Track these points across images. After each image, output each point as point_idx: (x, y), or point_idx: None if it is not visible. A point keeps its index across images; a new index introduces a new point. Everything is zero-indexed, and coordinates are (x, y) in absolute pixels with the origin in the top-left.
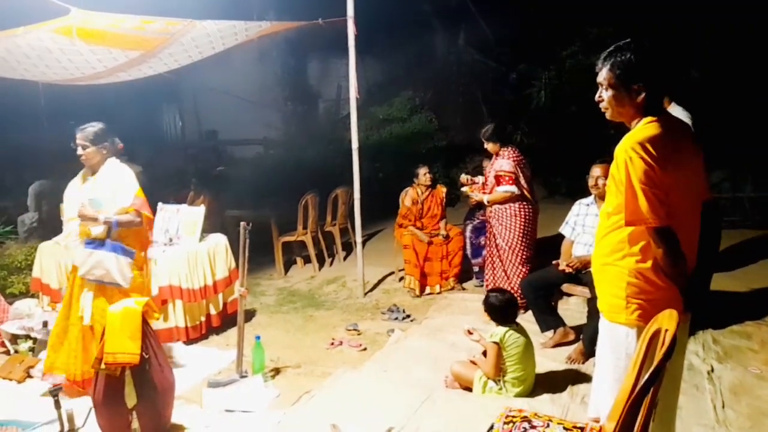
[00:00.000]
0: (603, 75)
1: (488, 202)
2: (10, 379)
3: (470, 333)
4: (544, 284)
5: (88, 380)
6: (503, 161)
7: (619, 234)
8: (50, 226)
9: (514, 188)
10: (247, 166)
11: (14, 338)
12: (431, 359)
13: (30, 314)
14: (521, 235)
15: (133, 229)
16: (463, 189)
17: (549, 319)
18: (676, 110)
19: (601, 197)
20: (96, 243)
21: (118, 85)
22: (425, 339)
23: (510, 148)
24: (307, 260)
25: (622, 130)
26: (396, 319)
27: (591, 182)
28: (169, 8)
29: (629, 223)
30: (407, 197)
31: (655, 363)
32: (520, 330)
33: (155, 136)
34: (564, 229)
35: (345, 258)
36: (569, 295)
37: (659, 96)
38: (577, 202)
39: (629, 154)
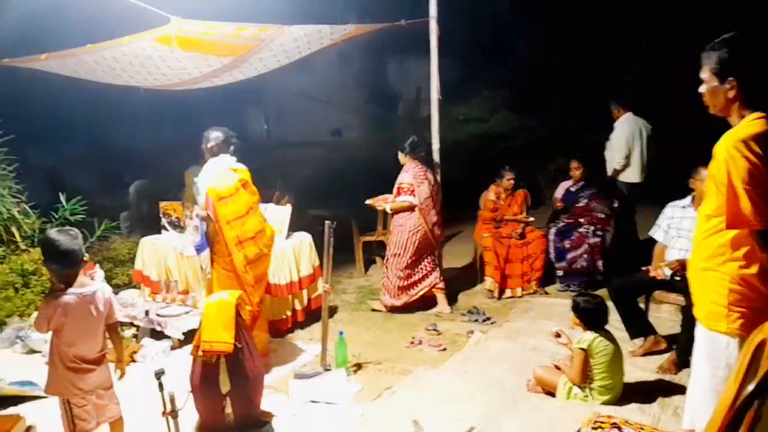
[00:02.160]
0: (703, 69)
1: (391, 210)
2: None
3: (558, 336)
4: (634, 290)
5: None
6: (405, 174)
7: (720, 237)
8: (149, 223)
9: (412, 198)
10: (327, 167)
11: (119, 326)
12: (512, 362)
13: (133, 303)
14: (404, 245)
15: (211, 226)
16: (367, 202)
17: (639, 327)
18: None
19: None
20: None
21: (209, 89)
22: (506, 342)
23: (415, 162)
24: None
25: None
26: (476, 320)
27: (697, 185)
28: (254, 14)
29: (731, 226)
30: (490, 193)
31: (760, 375)
32: (609, 337)
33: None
34: (656, 233)
35: None
36: (661, 302)
37: (755, 92)
38: (670, 204)
39: (731, 152)
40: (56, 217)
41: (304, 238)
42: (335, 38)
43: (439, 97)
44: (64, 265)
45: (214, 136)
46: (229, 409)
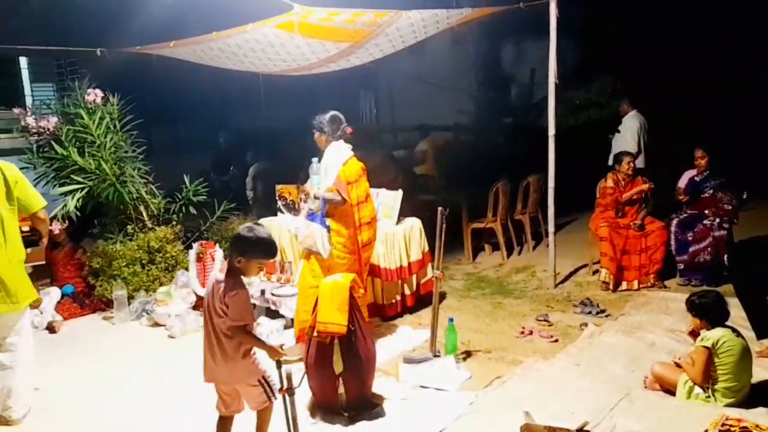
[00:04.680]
0: None
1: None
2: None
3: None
4: (762, 286)
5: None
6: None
7: None
8: (265, 204)
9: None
10: (438, 153)
11: None
12: (628, 357)
13: (249, 283)
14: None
15: (339, 207)
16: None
17: (767, 326)
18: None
19: None
20: (312, 215)
21: (323, 75)
22: (622, 336)
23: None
24: (495, 247)
25: None
26: (589, 313)
27: None
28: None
29: None
30: (608, 181)
31: None
32: (737, 335)
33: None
34: None
35: (534, 247)
36: None
37: None
38: None
39: None
40: (180, 197)
41: (415, 224)
42: (451, 22)
43: (556, 81)
44: (271, 255)
45: (332, 118)
46: (342, 389)
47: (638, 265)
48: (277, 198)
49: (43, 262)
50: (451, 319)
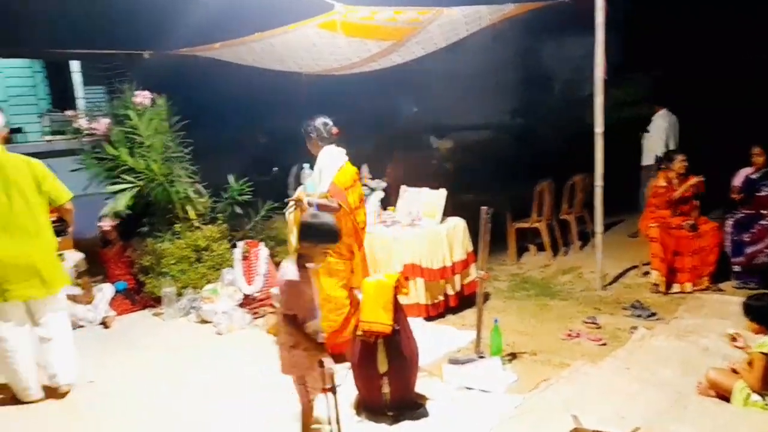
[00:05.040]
0: None
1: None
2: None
3: (735, 339)
4: None
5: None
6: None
7: None
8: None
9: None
10: (479, 151)
11: None
12: (680, 362)
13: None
14: None
15: (335, 215)
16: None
17: None
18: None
19: None
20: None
21: (363, 74)
22: (674, 340)
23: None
24: (540, 248)
25: None
26: (639, 316)
27: None
28: None
29: None
30: (660, 180)
31: None
32: None
33: (391, 120)
34: None
35: (581, 248)
36: None
37: None
38: None
39: None
40: (225, 197)
41: (458, 223)
42: (494, 19)
43: (604, 77)
44: (334, 240)
45: (319, 122)
46: (386, 389)
47: (691, 267)
48: None
49: (72, 250)
50: (497, 320)
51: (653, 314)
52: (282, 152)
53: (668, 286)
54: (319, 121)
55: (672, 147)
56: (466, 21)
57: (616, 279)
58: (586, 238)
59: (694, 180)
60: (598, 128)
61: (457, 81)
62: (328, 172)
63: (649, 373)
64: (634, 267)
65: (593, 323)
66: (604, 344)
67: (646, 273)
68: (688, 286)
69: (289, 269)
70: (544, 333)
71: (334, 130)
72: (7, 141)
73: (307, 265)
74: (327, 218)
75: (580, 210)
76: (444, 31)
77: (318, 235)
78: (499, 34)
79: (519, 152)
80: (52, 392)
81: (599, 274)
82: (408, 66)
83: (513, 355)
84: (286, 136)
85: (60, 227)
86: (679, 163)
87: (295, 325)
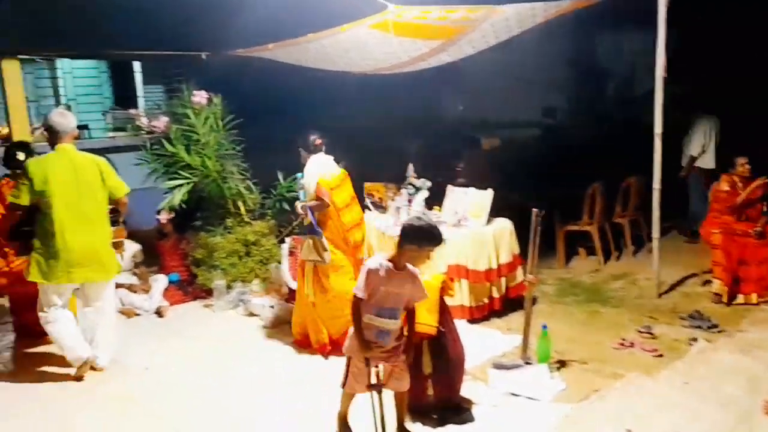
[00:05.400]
0: None
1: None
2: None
3: None
4: None
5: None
6: None
7: None
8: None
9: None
10: (529, 151)
11: None
12: (745, 378)
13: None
14: None
15: (328, 214)
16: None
17: None
18: None
19: None
20: (307, 229)
21: (411, 72)
22: (738, 354)
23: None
24: (590, 252)
25: None
26: (699, 327)
27: None
28: None
29: None
30: (722, 184)
31: None
32: None
33: (437, 120)
34: None
35: (635, 253)
36: None
37: None
38: None
39: None
40: (274, 193)
41: (505, 225)
42: (548, 15)
43: (664, 75)
44: (438, 242)
45: (306, 135)
46: (431, 391)
47: (757, 277)
48: (365, 196)
49: (125, 239)
50: (545, 326)
51: (714, 326)
52: (334, 149)
53: (731, 296)
54: (305, 134)
55: (711, 147)
56: (519, 18)
57: (673, 287)
58: (640, 243)
59: (759, 182)
60: (657, 128)
61: (504, 78)
62: (312, 175)
63: (710, 389)
64: (694, 275)
65: (648, 333)
66: (660, 355)
67: (707, 282)
68: (754, 298)
69: (376, 259)
70: (594, 341)
71: (317, 141)
72: (76, 137)
73: (408, 266)
74: (429, 220)
75: (634, 213)
76: (496, 29)
77: (422, 238)
78: (549, 29)
79: (568, 152)
80: (109, 376)
81: (656, 280)
82: (455, 63)
83: (561, 363)
84: (332, 134)
85: (114, 218)
86: (741, 166)
87: (357, 309)
